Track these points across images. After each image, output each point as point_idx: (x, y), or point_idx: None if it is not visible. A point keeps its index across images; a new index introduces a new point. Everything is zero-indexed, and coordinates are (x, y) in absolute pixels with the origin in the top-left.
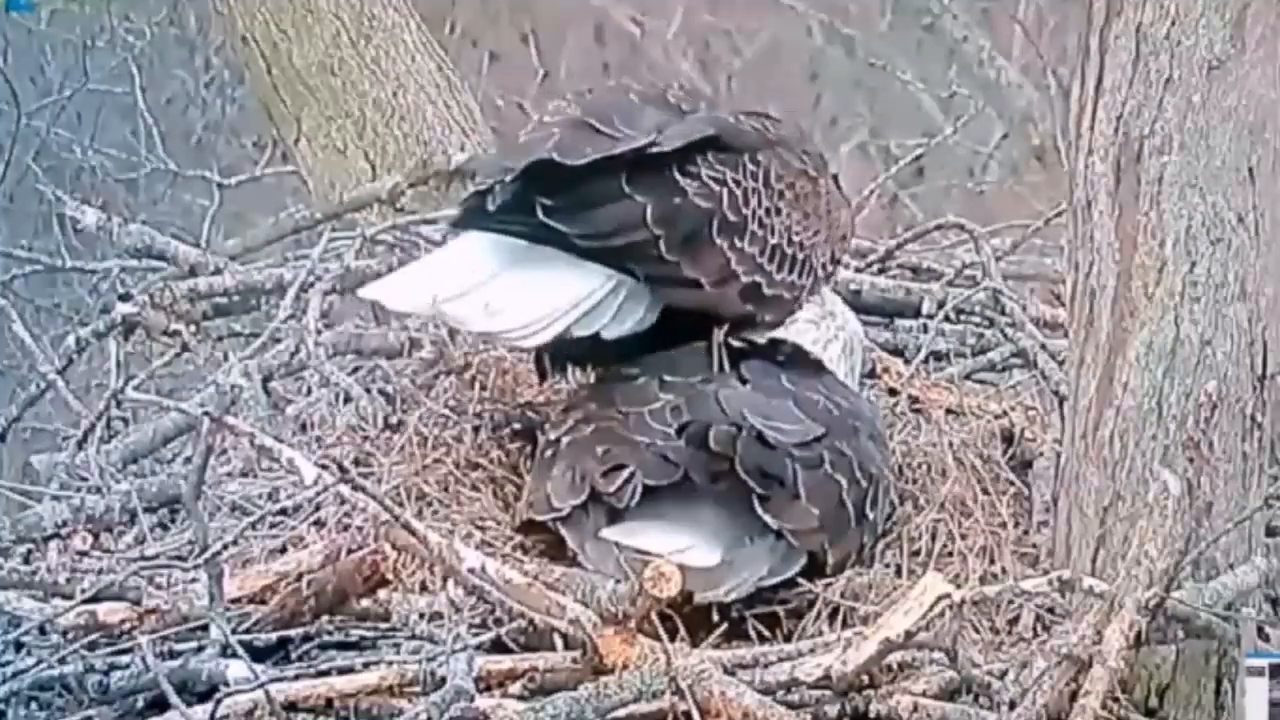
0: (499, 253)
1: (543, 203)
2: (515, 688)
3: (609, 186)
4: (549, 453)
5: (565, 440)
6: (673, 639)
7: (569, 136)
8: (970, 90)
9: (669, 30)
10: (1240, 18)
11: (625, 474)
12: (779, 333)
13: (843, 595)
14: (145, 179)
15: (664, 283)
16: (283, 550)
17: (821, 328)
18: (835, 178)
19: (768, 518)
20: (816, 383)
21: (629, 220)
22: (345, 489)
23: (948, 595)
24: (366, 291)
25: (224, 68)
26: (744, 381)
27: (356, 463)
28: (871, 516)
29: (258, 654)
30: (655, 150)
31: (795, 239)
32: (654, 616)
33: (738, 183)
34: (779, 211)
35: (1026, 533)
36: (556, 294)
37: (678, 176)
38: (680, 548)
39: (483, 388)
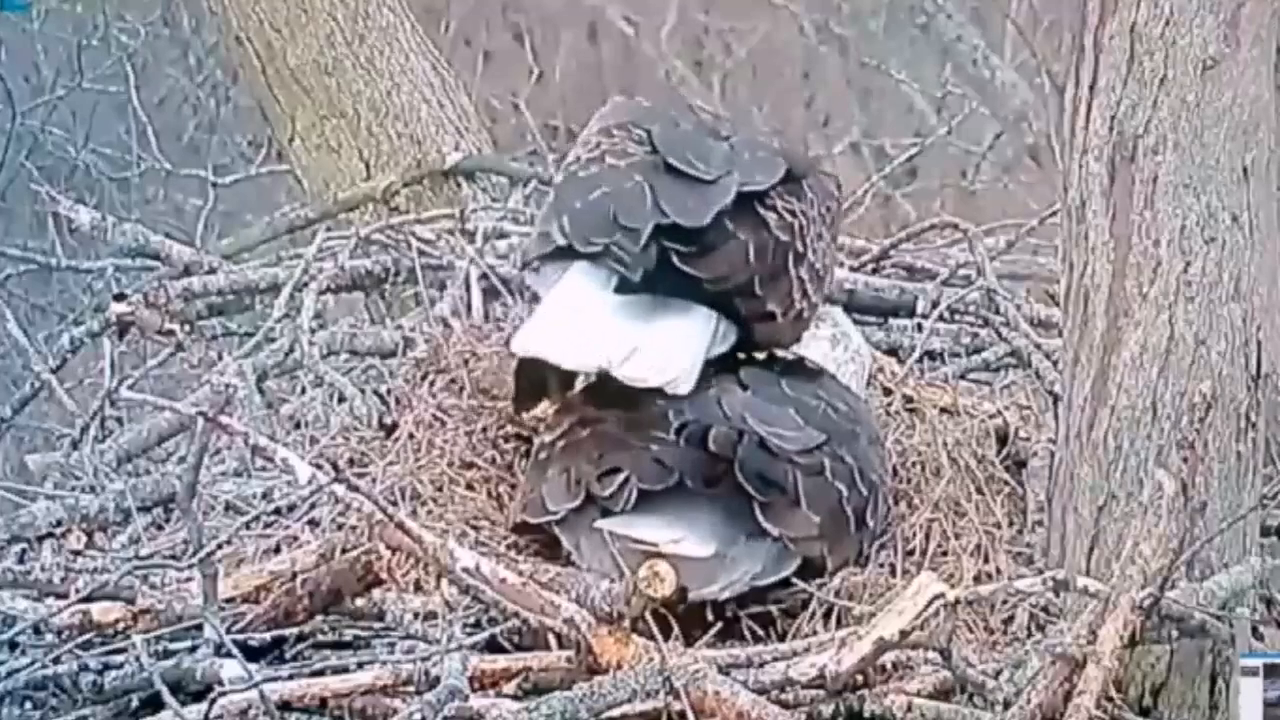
0: (625, 302)
1: (677, 250)
2: (509, 687)
3: (720, 229)
4: (544, 454)
5: (560, 443)
6: (667, 639)
7: (662, 185)
8: (964, 89)
9: (663, 29)
10: (1234, 17)
11: (620, 478)
12: (797, 347)
13: (837, 595)
14: (139, 178)
15: (754, 318)
16: (277, 550)
17: (838, 348)
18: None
19: (768, 525)
20: (816, 387)
21: (737, 260)
22: (340, 488)
23: (942, 595)
24: (522, 346)
25: (217, 67)
26: (744, 387)
27: (351, 462)
28: (871, 524)
29: (252, 653)
30: (748, 189)
31: (825, 262)
32: (648, 616)
33: (804, 213)
34: (820, 237)
35: (1021, 532)
36: (694, 339)
37: (762, 212)
38: (674, 538)
39: (479, 388)
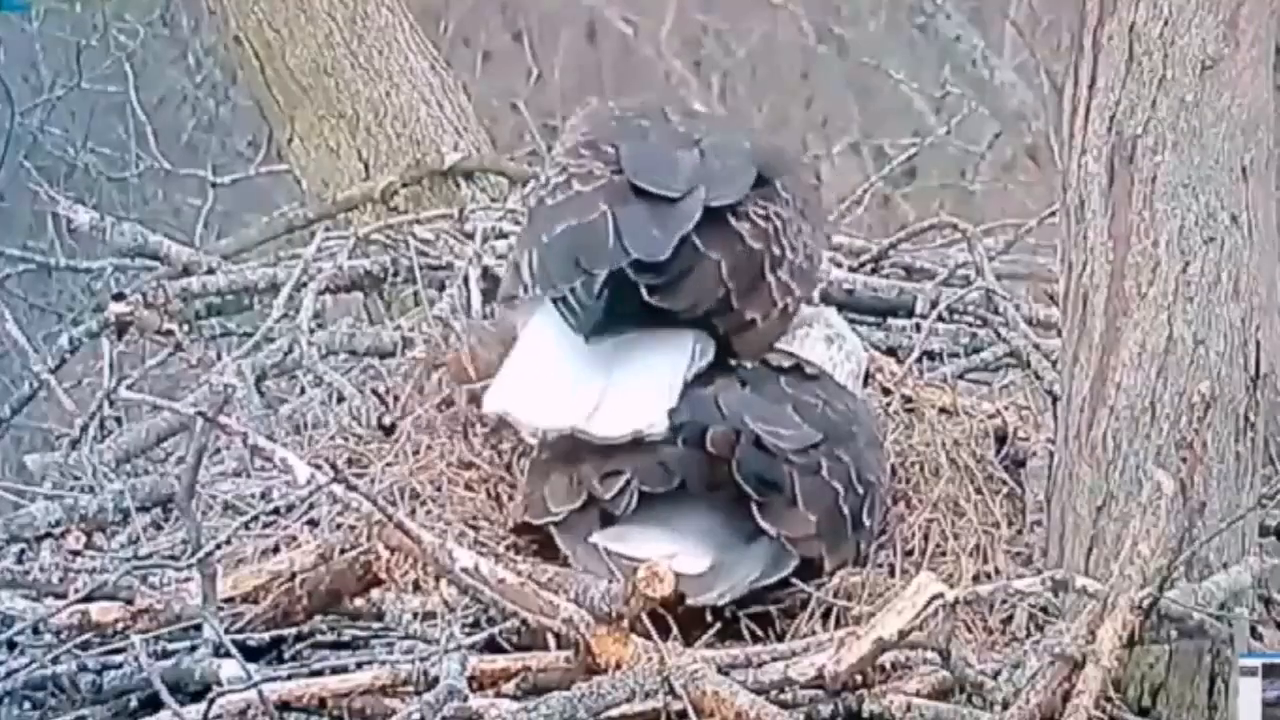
0: (595, 342)
1: (647, 283)
2: (508, 687)
3: (688, 251)
4: (546, 454)
5: (563, 444)
6: (666, 638)
7: (626, 214)
8: (963, 90)
9: (661, 30)
10: (1233, 17)
11: (622, 481)
12: (793, 348)
13: (836, 595)
14: (138, 178)
15: (734, 330)
16: (276, 550)
17: (833, 348)
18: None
19: (766, 525)
20: (815, 386)
21: (710, 281)
22: (338, 488)
23: (941, 595)
24: (493, 405)
25: (216, 67)
26: (743, 384)
27: (350, 462)
28: (868, 524)
29: (251, 653)
30: (718, 203)
31: (809, 254)
32: (646, 616)
33: (778, 215)
34: (800, 231)
35: (1020, 532)
36: (667, 374)
37: (733, 222)
38: (669, 554)
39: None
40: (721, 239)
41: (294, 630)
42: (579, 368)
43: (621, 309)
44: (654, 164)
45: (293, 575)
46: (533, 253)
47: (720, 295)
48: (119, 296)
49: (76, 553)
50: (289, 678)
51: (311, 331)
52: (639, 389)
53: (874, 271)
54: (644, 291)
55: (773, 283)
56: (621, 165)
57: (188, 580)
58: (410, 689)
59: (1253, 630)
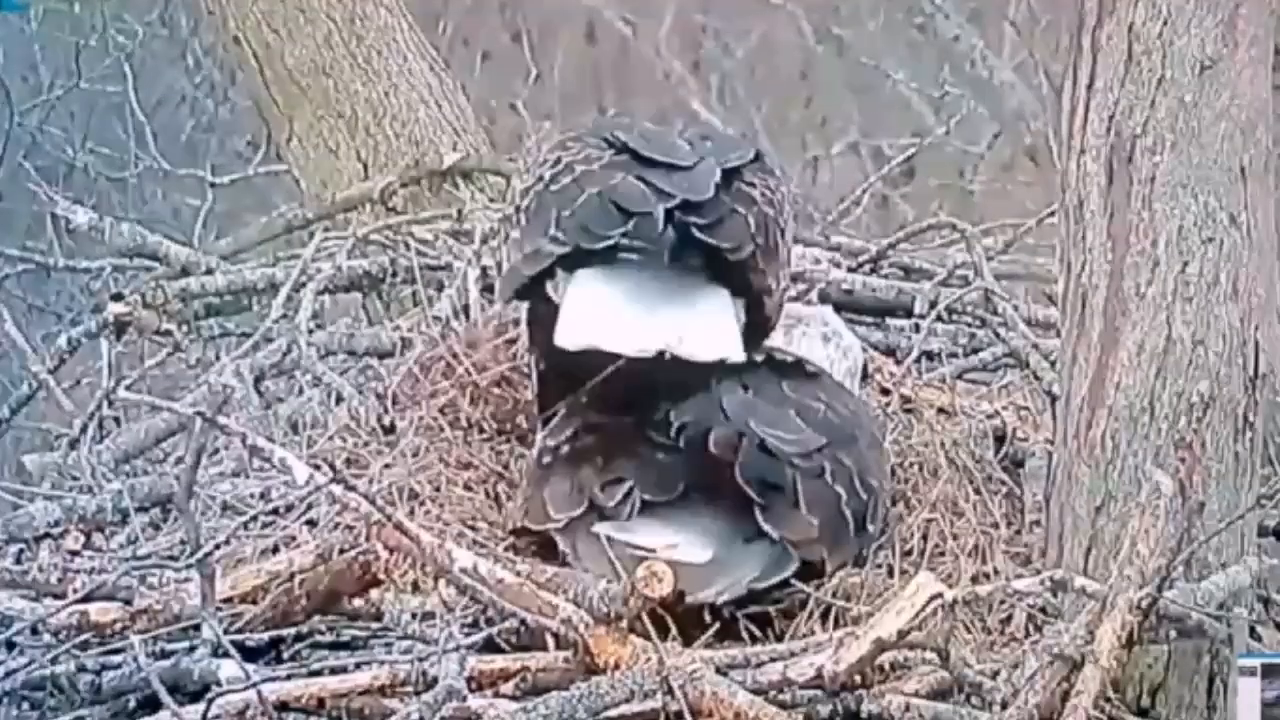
0: (648, 293)
1: (695, 222)
2: (507, 688)
3: (721, 203)
4: (547, 459)
5: (565, 449)
6: (665, 639)
7: (649, 174)
8: (962, 90)
9: (661, 30)
10: (1232, 17)
11: (624, 489)
12: (790, 346)
13: (835, 595)
14: (137, 178)
15: (761, 292)
16: (275, 550)
17: (830, 345)
18: None
19: (768, 527)
20: (816, 389)
21: (744, 232)
22: (337, 489)
23: (940, 595)
24: (572, 339)
25: (215, 68)
26: (745, 388)
27: (348, 462)
28: (870, 529)
29: (250, 654)
30: (729, 166)
31: (790, 240)
32: (645, 617)
33: (779, 188)
34: (787, 218)
35: (1019, 532)
36: (727, 314)
37: (746, 188)
38: (671, 543)
39: (475, 389)
40: (740, 197)
41: (293, 631)
42: (647, 305)
43: (675, 250)
44: (655, 142)
45: (291, 575)
46: (555, 228)
47: (751, 249)
48: (118, 297)
49: (75, 553)
50: (288, 678)
51: (310, 332)
52: (711, 323)
53: (873, 272)
54: (695, 230)
55: (783, 252)
56: (625, 145)
57: (187, 580)
58: (409, 689)
59: (1251, 630)
